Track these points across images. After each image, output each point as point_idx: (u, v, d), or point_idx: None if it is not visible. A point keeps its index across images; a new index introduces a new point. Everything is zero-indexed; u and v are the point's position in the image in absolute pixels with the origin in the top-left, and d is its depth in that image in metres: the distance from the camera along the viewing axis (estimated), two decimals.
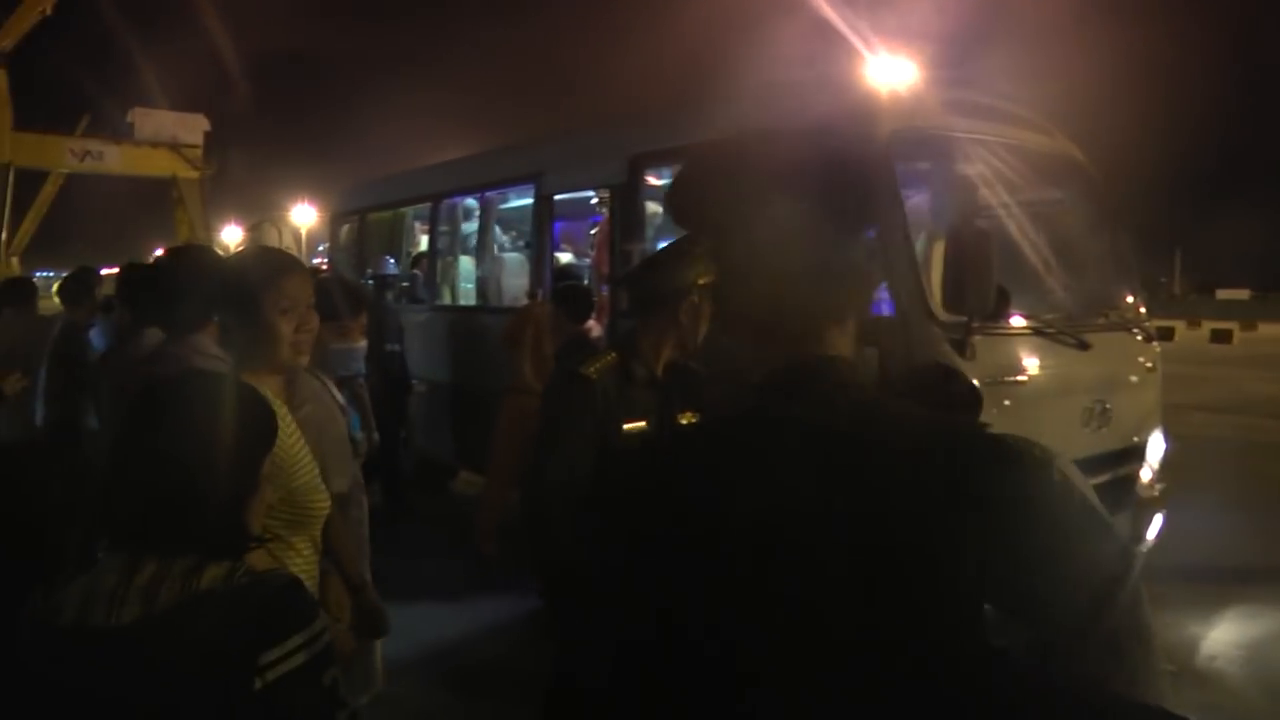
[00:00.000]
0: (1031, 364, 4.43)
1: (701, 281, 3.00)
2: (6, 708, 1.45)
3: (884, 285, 5.12)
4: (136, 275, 4.04)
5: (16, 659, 1.44)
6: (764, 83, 5.96)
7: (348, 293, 3.94)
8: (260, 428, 1.68)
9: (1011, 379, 4.32)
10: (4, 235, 28.69)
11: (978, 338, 4.10)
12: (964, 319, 4.07)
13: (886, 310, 5.18)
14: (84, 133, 32.31)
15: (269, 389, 2.29)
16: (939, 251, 4.89)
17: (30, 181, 32.32)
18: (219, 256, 3.26)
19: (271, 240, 5.76)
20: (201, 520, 1.51)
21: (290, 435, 2.31)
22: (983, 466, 1.02)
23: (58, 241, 39.78)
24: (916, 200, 5.35)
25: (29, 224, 32.93)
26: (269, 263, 2.59)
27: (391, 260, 8.80)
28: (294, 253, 5.61)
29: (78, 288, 6.56)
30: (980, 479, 1.01)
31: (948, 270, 4.09)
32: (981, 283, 3.91)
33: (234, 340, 2.50)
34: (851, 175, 1.18)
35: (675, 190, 1.25)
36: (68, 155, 31.81)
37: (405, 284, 9.11)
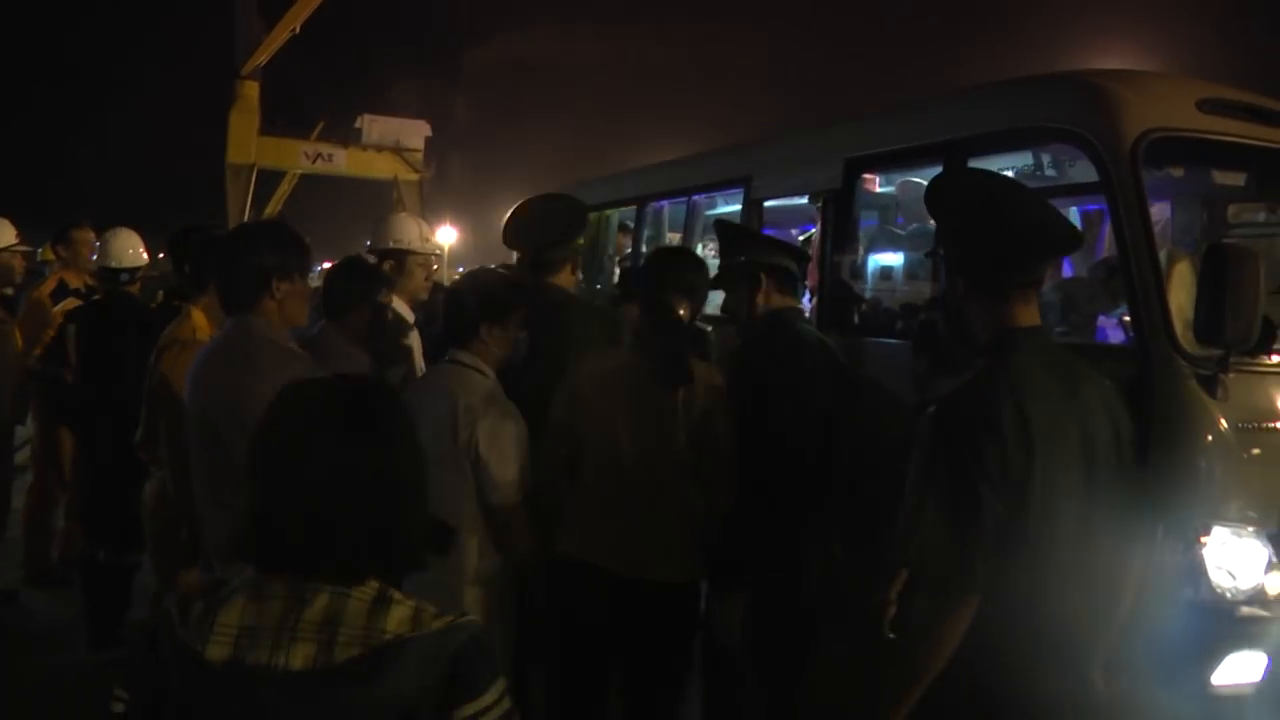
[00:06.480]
0: None
1: None
2: None
3: (1118, 311, 4.63)
4: None
5: (158, 688, 1.25)
6: (985, 83, 5.51)
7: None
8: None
9: (1272, 424, 3.76)
10: None
11: (1232, 375, 3.57)
12: (1218, 352, 3.55)
13: (1115, 338, 4.66)
14: (317, 137, 34.54)
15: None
16: (1179, 274, 4.31)
17: (268, 181, 34.88)
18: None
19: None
20: (400, 549, 1.32)
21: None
22: None
23: None
24: (1162, 214, 4.81)
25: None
26: None
27: None
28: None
29: None
30: None
31: (1202, 294, 3.54)
32: (1243, 310, 3.39)
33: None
34: None
35: None
36: (301, 157, 34.15)
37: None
